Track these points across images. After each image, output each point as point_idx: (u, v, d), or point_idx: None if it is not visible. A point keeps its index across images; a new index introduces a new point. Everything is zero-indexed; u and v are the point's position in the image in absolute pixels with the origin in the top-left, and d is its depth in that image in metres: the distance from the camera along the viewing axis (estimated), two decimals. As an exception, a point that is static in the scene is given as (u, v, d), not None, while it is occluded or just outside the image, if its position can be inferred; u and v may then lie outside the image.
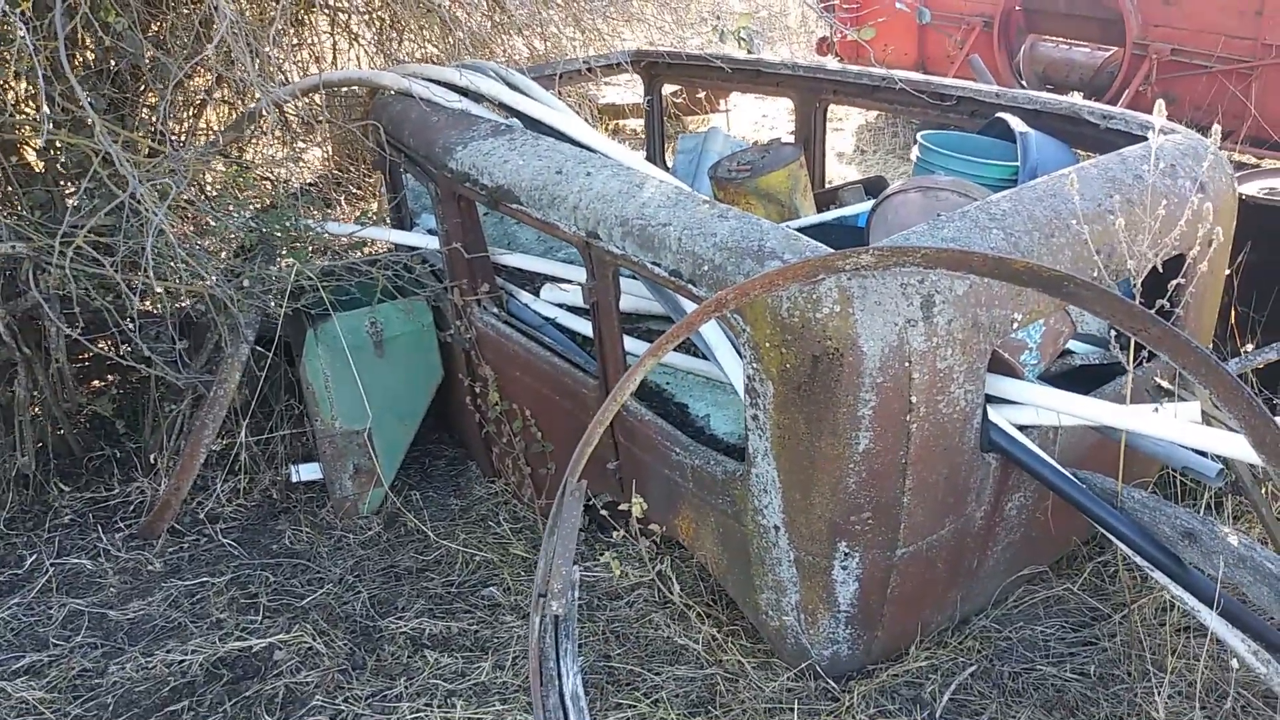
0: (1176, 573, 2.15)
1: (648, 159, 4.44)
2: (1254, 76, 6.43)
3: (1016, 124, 2.81)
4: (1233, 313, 3.35)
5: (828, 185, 3.88)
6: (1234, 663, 2.08)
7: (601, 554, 2.98)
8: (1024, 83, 7.66)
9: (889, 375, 2.04)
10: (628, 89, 8.06)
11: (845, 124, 8.65)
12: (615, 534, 2.61)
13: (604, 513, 2.60)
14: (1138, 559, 2.19)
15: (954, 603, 2.59)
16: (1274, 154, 6.56)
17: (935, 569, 2.42)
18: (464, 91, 3.35)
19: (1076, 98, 7.61)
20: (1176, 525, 2.12)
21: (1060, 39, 7.67)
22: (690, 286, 2.25)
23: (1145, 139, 2.72)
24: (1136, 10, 6.79)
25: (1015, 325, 2.21)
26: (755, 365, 2.16)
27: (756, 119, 9.15)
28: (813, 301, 2.03)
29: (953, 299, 2.07)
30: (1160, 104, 2.18)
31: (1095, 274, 2.27)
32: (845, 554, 2.27)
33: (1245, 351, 2.85)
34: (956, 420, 2.18)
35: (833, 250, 2.10)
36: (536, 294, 3.42)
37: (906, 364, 2.04)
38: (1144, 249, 2.22)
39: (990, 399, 2.28)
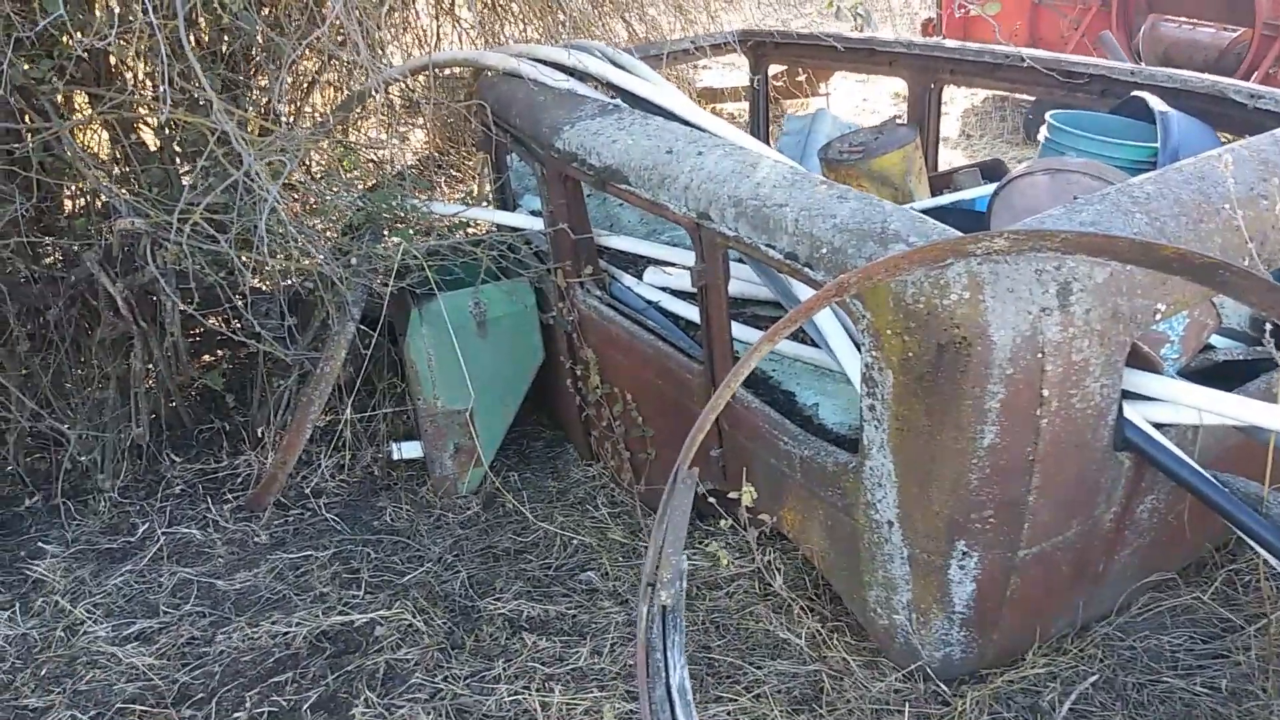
0: (1330, 587, 1.99)
1: (752, 141, 4.35)
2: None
3: (1156, 103, 2.64)
4: None
5: (940, 169, 3.73)
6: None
7: (702, 542, 2.92)
8: (1144, 64, 7.31)
9: (1019, 367, 1.93)
10: (726, 72, 7.95)
11: (950, 108, 8.39)
12: (722, 522, 2.54)
13: (711, 500, 2.54)
14: (1285, 570, 2.04)
15: (1076, 608, 2.46)
16: None
17: (1058, 572, 2.29)
18: (570, 71, 3.31)
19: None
20: (1332, 536, 1.97)
21: (1184, 18, 7.29)
22: (807, 270, 2.17)
23: (1298, 120, 2.54)
24: (1273, -15, 6.40)
25: (1158, 316, 2.07)
26: (875, 353, 2.06)
27: (857, 103, 8.94)
28: (940, 287, 1.93)
29: (1091, 287, 1.95)
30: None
31: (1248, 262, 2.11)
32: (963, 553, 2.17)
33: None
34: (1090, 416, 2.05)
35: (961, 234, 1.99)
36: (639, 277, 3.37)
37: (1039, 355, 1.93)
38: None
39: (1127, 394, 2.15)
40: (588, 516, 3.34)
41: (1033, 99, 7.97)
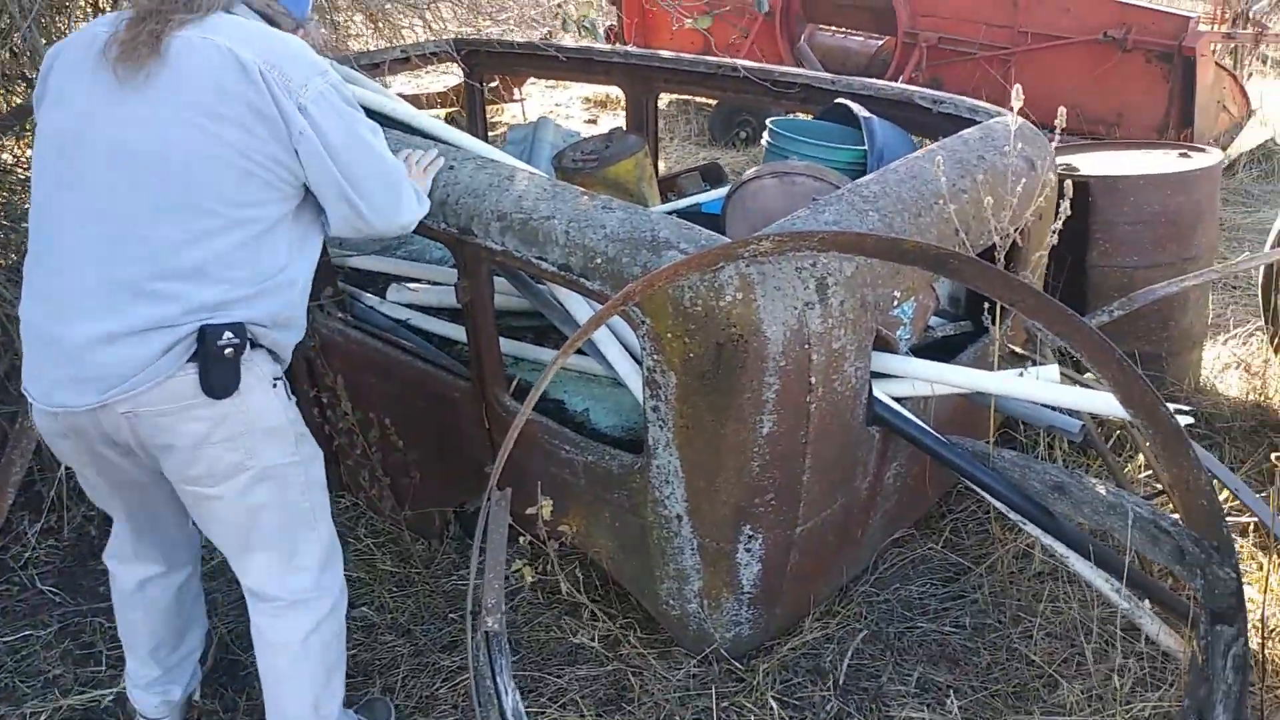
0: (1047, 524, 2.32)
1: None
2: (1011, 62, 7.04)
3: (859, 109, 2.93)
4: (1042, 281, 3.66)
5: (663, 173, 3.90)
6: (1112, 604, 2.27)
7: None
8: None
9: (790, 358, 2.08)
10: (430, 78, 7.79)
11: (640, 111, 8.75)
12: (521, 539, 2.52)
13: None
14: (1012, 514, 2.35)
15: (841, 572, 2.69)
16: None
17: (827, 542, 2.50)
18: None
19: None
20: (1046, 479, 2.29)
21: (837, 28, 8.11)
22: (583, 280, 2.20)
23: (974, 122, 2.92)
24: (905, 1, 7.26)
25: (896, 303, 2.31)
26: (656, 357, 2.13)
27: (550, 108, 9.10)
28: (715, 290, 2.03)
29: (844, 280, 2.13)
30: (1018, 89, 2.34)
31: (960, 249, 2.41)
32: (749, 536, 2.30)
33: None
34: (849, 398, 2.25)
35: (725, 239, 2.11)
36: (381, 295, 3.24)
37: (806, 346, 2.09)
38: (1002, 224, 2.37)
39: (874, 374, 2.37)
40: (350, 550, 3.17)
41: (714, 103, 8.56)
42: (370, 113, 2.89)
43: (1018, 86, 2.37)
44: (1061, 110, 2.56)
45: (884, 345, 2.42)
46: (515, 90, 8.65)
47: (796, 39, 8.09)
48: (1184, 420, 2.08)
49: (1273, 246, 3.53)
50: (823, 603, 2.70)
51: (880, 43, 7.71)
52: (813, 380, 2.13)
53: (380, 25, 5.03)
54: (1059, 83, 6.89)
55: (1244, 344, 4.09)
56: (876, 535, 2.76)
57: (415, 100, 7.89)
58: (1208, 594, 1.94)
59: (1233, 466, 3.23)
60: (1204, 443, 3.43)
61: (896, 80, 7.39)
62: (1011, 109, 2.52)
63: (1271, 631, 2.46)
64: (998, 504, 2.37)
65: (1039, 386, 2.30)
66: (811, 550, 2.45)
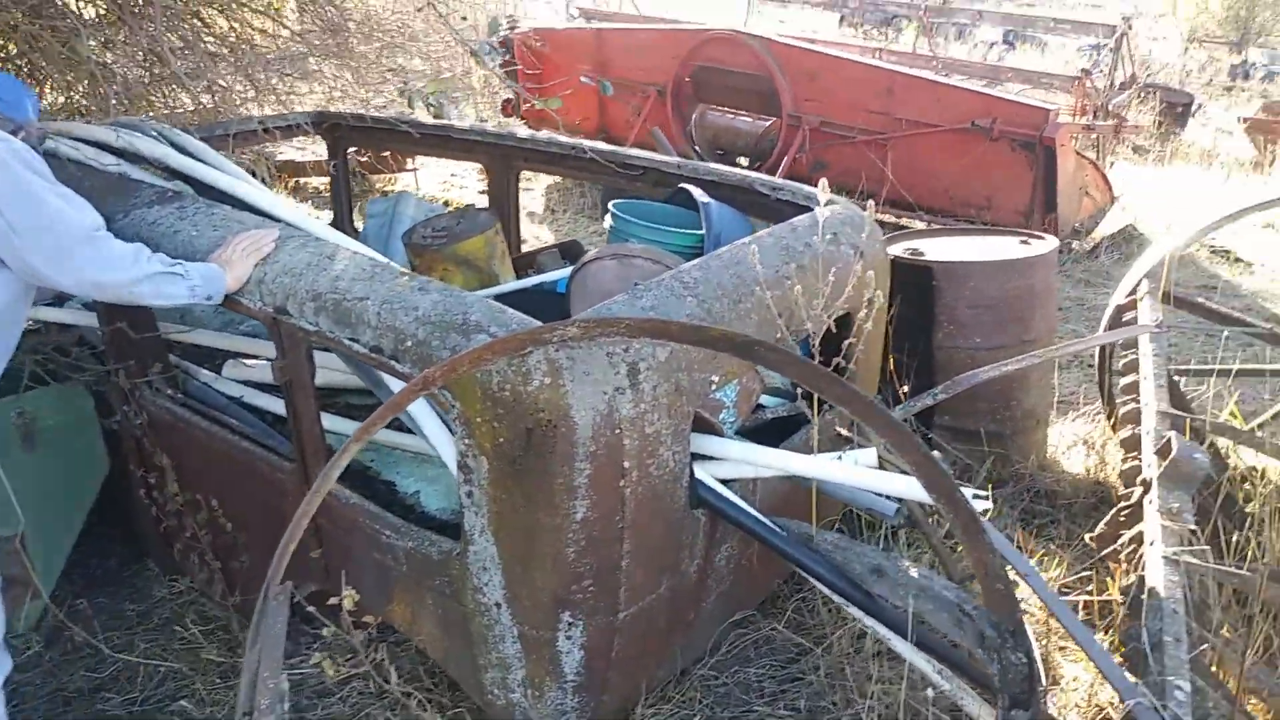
0: (869, 606, 2.33)
1: (335, 224, 4.27)
2: (889, 146, 7.31)
3: (699, 194, 2.99)
4: (890, 360, 3.75)
5: (524, 249, 3.91)
6: (929, 688, 2.28)
7: (310, 650, 2.75)
8: (697, 148, 8.23)
9: (601, 443, 2.06)
10: (309, 145, 7.74)
11: (535, 183, 8.83)
12: (325, 630, 2.42)
13: (310, 608, 2.41)
14: (835, 597, 2.35)
15: (675, 656, 2.65)
16: (909, 214, 7.48)
17: (656, 626, 2.46)
18: (120, 153, 3.04)
19: (743, 162, 8.28)
20: (866, 562, 2.31)
21: (726, 109, 8.33)
22: (393, 363, 2.16)
23: (810, 209, 2.99)
24: (788, 86, 7.51)
25: (714, 386, 2.32)
26: (468, 441, 2.10)
27: (445, 178, 9.11)
28: (522, 375, 2.01)
29: (656, 365, 2.14)
30: (824, 182, 2.41)
31: (779, 335, 2.44)
32: (569, 624, 2.25)
33: (904, 395, 3.18)
34: (667, 481, 2.24)
35: (539, 323, 2.10)
36: (218, 371, 3.14)
37: (618, 431, 2.08)
38: (818, 311, 2.42)
39: (696, 457, 2.37)
40: (176, 639, 3.02)
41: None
42: (198, 185, 2.86)
43: (823, 181, 2.45)
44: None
45: (707, 428, 2.42)
46: (409, 160, 8.66)
47: (688, 119, 8.29)
48: (981, 506, 2.12)
49: (1107, 329, 3.67)
50: (657, 687, 2.65)
51: (768, 123, 7.94)
52: (626, 465, 2.12)
53: (261, 92, 4.98)
54: (933, 167, 7.19)
55: (1090, 421, 4.24)
56: (713, 618, 2.73)
57: (299, 168, 7.85)
58: (1002, 678, 1.96)
59: (1068, 543, 3.30)
60: (1044, 519, 3.52)
61: (782, 160, 7.63)
62: (823, 198, 2.58)
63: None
64: (821, 586, 2.38)
65: (848, 470, 2.32)
66: (638, 635, 2.42)
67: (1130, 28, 8.78)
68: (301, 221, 2.70)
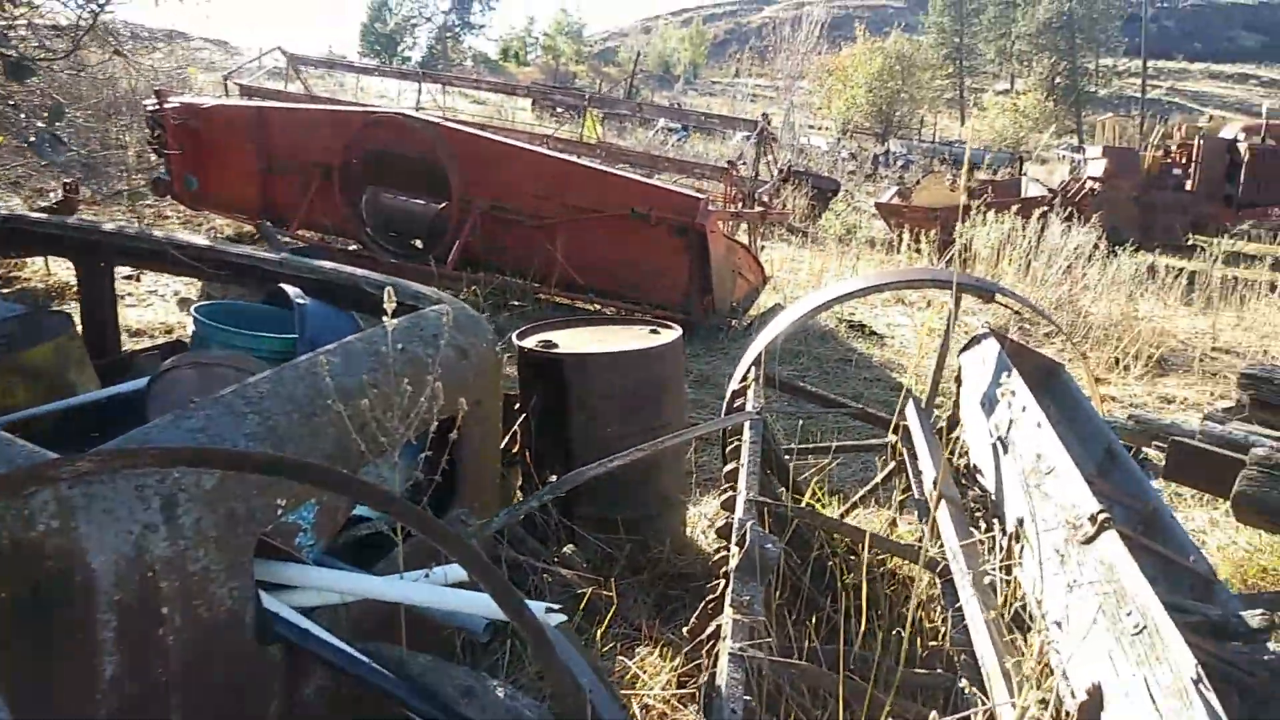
0: (462, 730, 2.22)
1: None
2: (557, 231, 7.48)
3: (295, 294, 2.82)
4: (528, 451, 3.73)
5: (122, 351, 3.54)
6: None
7: None
8: (369, 229, 8.03)
9: (129, 590, 1.83)
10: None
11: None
12: None
13: None
14: (426, 724, 2.22)
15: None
16: (580, 296, 7.66)
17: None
18: None
19: (418, 244, 8.15)
20: (457, 684, 2.20)
21: (398, 190, 8.21)
22: None
23: (418, 308, 2.92)
24: (457, 170, 7.53)
25: (281, 511, 2.14)
26: (-36, 598, 1.79)
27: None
28: (24, 520, 1.74)
29: (200, 495, 1.94)
30: (434, 289, 2.34)
31: (361, 449, 2.32)
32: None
33: (518, 497, 3.15)
34: (225, 621, 2.02)
35: (51, 457, 1.84)
36: None
37: (151, 574, 1.85)
38: (413, 418, 2.32)
39: (271, 586, 2.18)
40: None
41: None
42: None
43: (434, 289, 2.38)
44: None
45: (281, 554, 2.24)
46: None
47: (357, 200, 8.08)
48: (555, 619, 2.09)
49: (726, 414, 3.87)
50: None
51: (440, 207, 7.89)
52: (165, 611, 1.89)
53: None
54: (599, 252, 7.44)
55: (729, 499, 4.43)
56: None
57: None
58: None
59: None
60: (677, 604, 3.60)
61: (455, 243, 7.59)
62: (434, 296, 2.52)
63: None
64: (413, 715, 2.24)
65: (429, 591, 2.22)
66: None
67: (770, 124, 9.64)
68: None
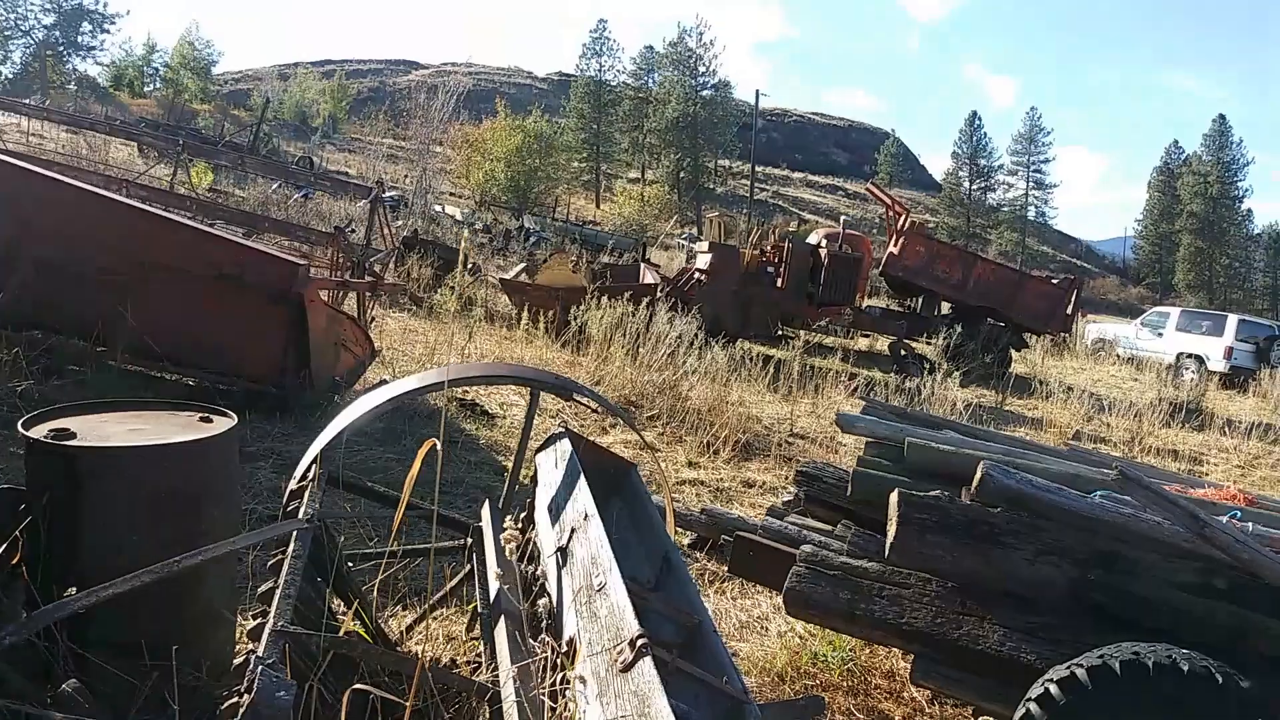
0: None
1: None
2: (130, 289, 6.60)
3: None
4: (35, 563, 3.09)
5: None
6: None
7: None
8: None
9: None
10: None
11: None
12: None
13: None
14: None
15: None
16: (158, 365, 6.79)
17: None
18: None
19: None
20: None
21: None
22: None
23: None
24: (8, 211, 6.45)
25: None
26: None
27: None
28: None
29: None
30: None
31: None
32: None
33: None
34: None
35: None
36: None
37: None
38: None
39: None
40: None
41: None
42: None
43: None
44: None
45: None
46: None
47: None
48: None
49: (283, 519, 3.46)
50: None
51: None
52: None
53: None
54: (181, 315, 6.67)
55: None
56: None
57: None
58: None
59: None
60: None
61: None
62: None
63: None
64: None
65: None
66: None
67: (384, 190, 9.33)
68: None
